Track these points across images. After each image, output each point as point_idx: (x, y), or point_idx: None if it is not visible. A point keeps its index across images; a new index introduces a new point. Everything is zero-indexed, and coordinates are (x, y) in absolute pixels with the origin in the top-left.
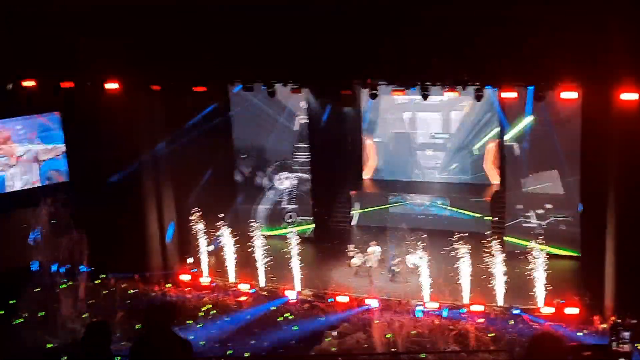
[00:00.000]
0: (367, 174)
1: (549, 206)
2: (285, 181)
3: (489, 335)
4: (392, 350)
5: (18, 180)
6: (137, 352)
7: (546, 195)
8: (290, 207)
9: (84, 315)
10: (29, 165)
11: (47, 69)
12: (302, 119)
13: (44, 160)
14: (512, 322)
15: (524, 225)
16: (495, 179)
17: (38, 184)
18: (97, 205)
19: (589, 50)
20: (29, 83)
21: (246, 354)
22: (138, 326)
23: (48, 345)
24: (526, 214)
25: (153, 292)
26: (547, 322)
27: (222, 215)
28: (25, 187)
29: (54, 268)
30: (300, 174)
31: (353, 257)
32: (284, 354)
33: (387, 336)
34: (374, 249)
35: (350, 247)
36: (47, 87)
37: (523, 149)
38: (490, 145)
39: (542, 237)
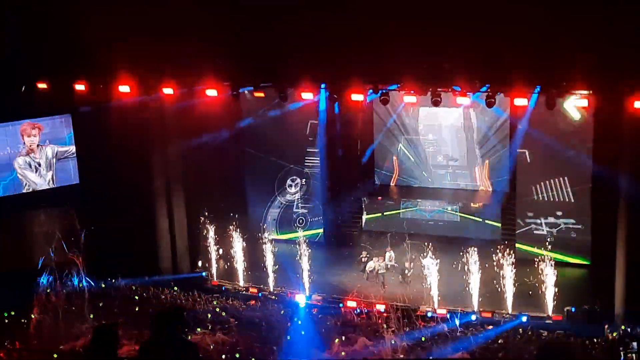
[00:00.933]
0: (392, 184)
1: (559, 213)
2: (296, 186)
3: (498, 342)
4: (401, 356)
5: (34, 182)
6: (145, 356)
7: (557, 203)
8: (301, 211)
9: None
10: (46, 166)
11: (59, 71)
12: (314, 123)
13: (58, 161)
14: (521, 329)
15: (534, 232)
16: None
17: (53, 185)
18: (107, 208)
19: (602, 58)
20: (42, 85)
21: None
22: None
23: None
24: (536, 222)
25: (162, 295)
26: (556, 330)
27: (233, 218)
28: (41, 189)
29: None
30: (311, 179)
31: (365, 261)
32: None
33: (393, 342)
34: (388, 254)
35: (364, 253)
36: (59, 90)
37: (534, 157)
38: (487, 161)
39: (553, 244)
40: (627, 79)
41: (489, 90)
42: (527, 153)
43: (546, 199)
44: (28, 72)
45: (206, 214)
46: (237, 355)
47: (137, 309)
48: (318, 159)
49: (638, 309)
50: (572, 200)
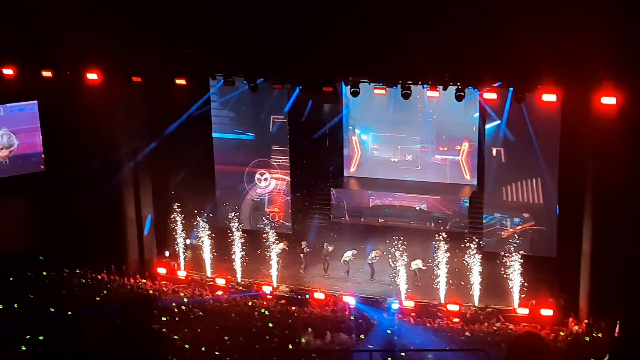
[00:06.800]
0: (352, 169)
1: (526, 215)
2: (264, 180)
3: (464, 334)
4: (369, 346)
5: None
6: (111, 344)
7: (525, 204)
8: (270, 207)
9: None
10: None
11: (27, 57)
12: (279, 118)
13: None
14: (486, 323)
15: (501, 230)
16: (471, 179)
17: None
18: (73, 197)
19: (570, 53)
20: (7, 71)
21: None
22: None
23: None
24: (503, 222)
25: (129, 285)
26: (522, 323)
27: (201, 210)
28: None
29: None
30: (279, 171)
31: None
32: (259, 349)
33: (362, 337)
34: (350, 252)
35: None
36: (26, 76)
37: (504, 154)
38: (465, 145)
39: (518, 242)
40: (594, 74)
41: (458, 83)
42: (502, 152)
43: (515, 200)
44: None
45: (175, 204)
46: (203, 349)
47: (102, 298)
48: (287, 150)
49: (602, 302)
50: (542, 202)
